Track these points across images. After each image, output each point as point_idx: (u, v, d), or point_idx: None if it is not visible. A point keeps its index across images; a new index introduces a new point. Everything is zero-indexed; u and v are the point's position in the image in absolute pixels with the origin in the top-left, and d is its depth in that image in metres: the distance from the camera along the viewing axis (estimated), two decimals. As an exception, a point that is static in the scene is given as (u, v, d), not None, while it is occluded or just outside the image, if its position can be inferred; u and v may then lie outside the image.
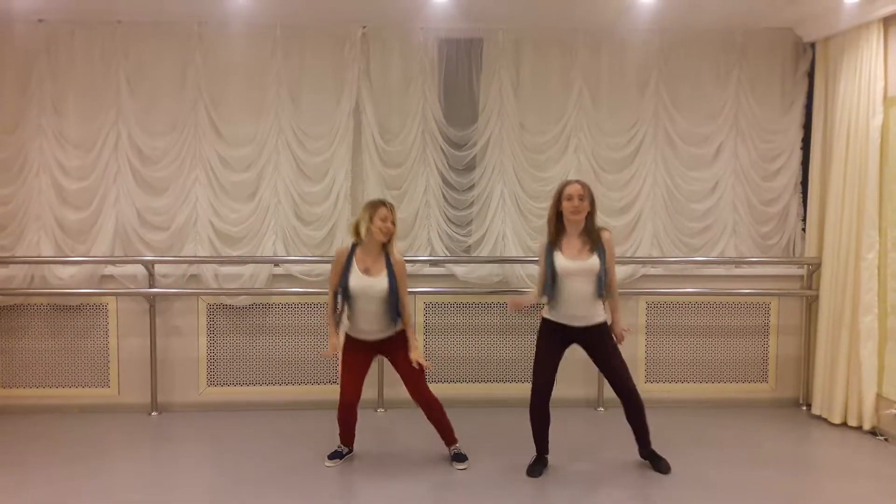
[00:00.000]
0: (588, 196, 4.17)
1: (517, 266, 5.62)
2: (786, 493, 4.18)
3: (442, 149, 5.70)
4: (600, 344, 4.29)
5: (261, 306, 5.62)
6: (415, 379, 4.40)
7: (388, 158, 5.67)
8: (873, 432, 5.09)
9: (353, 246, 4.35)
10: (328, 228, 5.62)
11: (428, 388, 4.46)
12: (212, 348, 5.62)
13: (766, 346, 5.84)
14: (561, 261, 4.16)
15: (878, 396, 5.07)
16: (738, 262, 5.80)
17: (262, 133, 5.57)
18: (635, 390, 4.33)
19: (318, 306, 5.61)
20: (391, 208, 4.31)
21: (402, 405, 5.63)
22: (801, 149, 5.83)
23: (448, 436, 4.57)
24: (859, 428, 5.17)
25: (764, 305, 5.82)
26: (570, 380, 5.31)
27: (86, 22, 5.42)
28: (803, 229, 5.82)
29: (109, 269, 5.51)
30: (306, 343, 5.65)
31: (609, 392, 5.68)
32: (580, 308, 4.20)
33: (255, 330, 5.63)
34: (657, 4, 4.96)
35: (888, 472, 4.53)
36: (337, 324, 4.43)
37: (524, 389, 5.62)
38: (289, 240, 5.62)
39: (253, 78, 5.56)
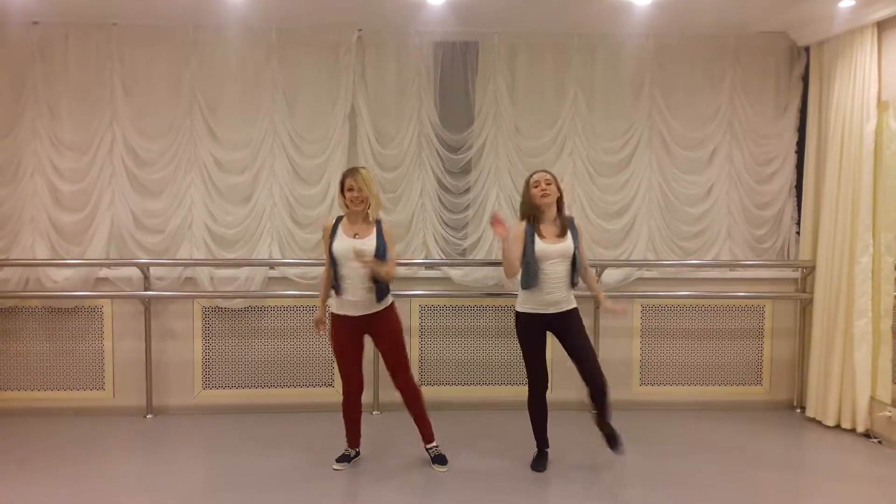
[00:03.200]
0: (554, 181, 4.36)
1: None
2: (780, 496, 4.20)
3: (437, 152, 5.71)
4: (573, 329, 4.37)
5: (256, 309, 5.62)
6: (395, 361, 4.41)
7: (383, 161, 5.68)
8: (867, 435, 5.11)
9: (339, 218, 4.41)
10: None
11: (411, 375, 4.48)
12: (207, 351, 5.61)
13: (760, 348, 5.85)
14: (540, 244, 4.29)
15: (872, 399, 5.09)
16: (732, 266, 5.82)
17: (258, 136, 5.57)
18: (603, 378, 4.35)
19: (314, 309, 5.59)
20: (356, 175, 4.28)
21: (398, 407, 5.64)
22: (796, 152, 5.86)
23: (426, 432, 4.59)
24: (853, 430, 5.18)
25: (758, 308, 5.83)
26: (561, 383, 5.33)
27: (80, 24, 5.41)
28: (797, 233, 5.84)
29: (104, 272, 5.51)
30: (302, 346, 5.65)
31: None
32: (556, 291, 4.29)
33: (250, 333, 5.63)
34: (651, 9, 4.97)
35: (882, 474, 4.54)
36: (325, 297, 4.47)
37: (520, 392, 5.65)
38: (284, 242, 5.62)
39: (248, 81, 5.57)
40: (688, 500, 4.10)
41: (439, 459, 4.53)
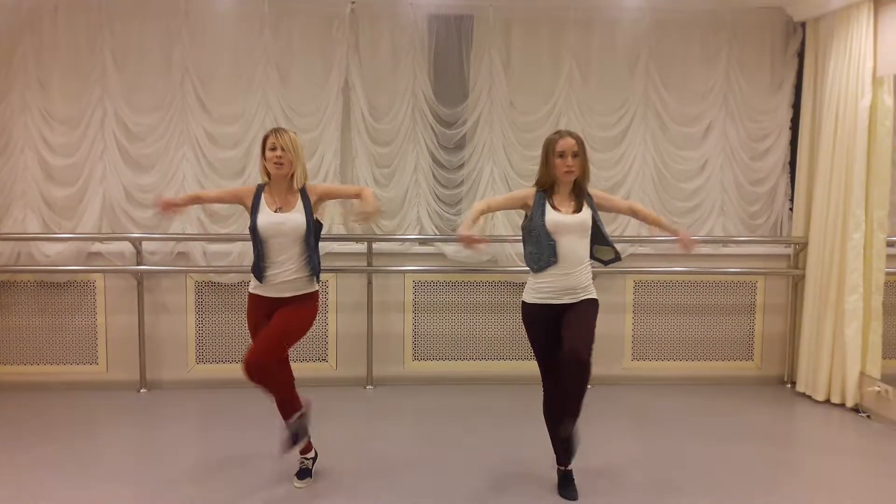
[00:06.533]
0: (581, 152, 3.65)
1: (507, 245, 5.63)
2: (768, 470, 4.23)
3: (432, 127, 5.68)
4: (582, 310, 3.68)
5: (249, 284, 5.59)
6: (274, 334, 3.71)
7: (377, 136, 5.64)
8: (856, 409, 5.16)
9: (261, 186, 3.84)
10: (317, 206, 5.59)
11: (274, 360, 3.72)
12: (200, 326, 5.61)
13: (752, 324, 5.89)
14: (553, 214, 3.64)
15: (862, 374, 5.13)
16: (725, 242, 5.84)
17: (250, 110, 5.52)
18: (585, 350, 3.59)
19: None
20: (281, 133, 3.72)
21: (390, 382, 5.67)
22: (790, 129, 5.85)
23: (285, 411, 3.86)
24: (842, 405, 5.23)
25: (751, 284, 5.86)
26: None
27: (70, -3, 5.35)
28: (791, 209, 5.86)
29: (97, 247, 5.48)
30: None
31: (597, 369, 5.73)
32: (576, 273, 3.64)
33: (243, 307, 5.52)
34: (648, -18, 4.94)
35: (870, 448, 4.60)
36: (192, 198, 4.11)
37: (513, 367, 5.70)
38: (277, 217, 5.59)
39: (240, 55, 5.50)
40: (676, 473, 4.14)
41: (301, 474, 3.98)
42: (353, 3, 5.51)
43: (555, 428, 3.80)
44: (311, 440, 4.01)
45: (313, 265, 3.79)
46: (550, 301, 3.67)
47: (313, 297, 3.88)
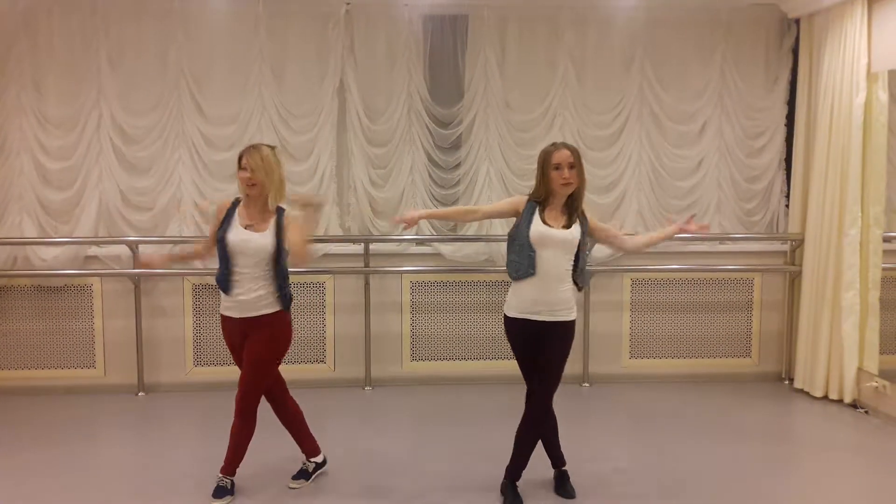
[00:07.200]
0: (578, 164, 3.58)
1: (503, 244, 5.61)
2: (766, 466, 4.24)
3: (428, 127, 5.68)
4: (560, 340, 3.66)
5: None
6: (245, 376, 3.76)
7: (373, 137, 5.64)
8: (854, 405, 5.17)
9: (236, 201, 3.77)
10: (313, 208, 5.59)
11: (250, 401, 3.79)
12: (198, 328, 5.60)
13: (749, 321, 5.89)
14: (539, 226, 3.57)
15: (859, 370, 5.14)
16: (722, 239, 5.84)
17: (246, 112, 5.52)
18: (547, 408, 3.76)
19: (304, 286, 5.58)
20: (251, 154, 3.62)
21: (389, 382, 5.67)
22: (786, 125, 5.86)
23: (307, 446, 4.07)
24: (840, 401, 5.24)
25: (747, 281, 5.87)
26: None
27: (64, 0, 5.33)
28: (787, 206, 5.87)
29: (93, 250, 5.47)
30: (294, 322, 5.63)
31: (595, 367, 5.78)
32: (556, 290, 3.59)
33: (241, 310, 5.61)
34: (642, -20, 4.94)
35: (868, 443, 4.61)
36: (183, 257, 4.15)
37: (511, 365, 5.65)
38: (274, 219, 5.58)
39: (236, 56, 5.50)
40: (674, 471, 4.15)
41: (301, 474, 4.04)
42: (348, 3, 5.51)
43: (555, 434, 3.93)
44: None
45: (279, 286, 3.70)
46: (529, 316, 3.65)
47: (281, 319, 3.77)
